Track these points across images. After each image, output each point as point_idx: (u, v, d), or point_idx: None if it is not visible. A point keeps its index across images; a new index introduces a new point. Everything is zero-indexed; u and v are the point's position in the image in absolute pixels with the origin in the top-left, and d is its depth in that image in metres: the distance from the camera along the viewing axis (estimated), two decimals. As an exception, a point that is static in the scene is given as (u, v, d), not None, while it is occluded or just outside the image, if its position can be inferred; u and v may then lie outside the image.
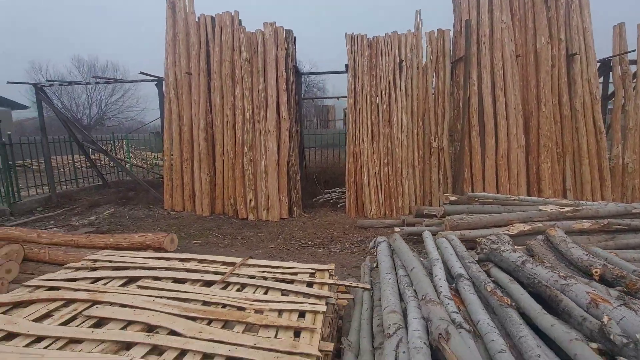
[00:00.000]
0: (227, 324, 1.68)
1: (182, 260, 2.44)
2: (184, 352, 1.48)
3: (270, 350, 1.47)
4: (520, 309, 1.82)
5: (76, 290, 1.99)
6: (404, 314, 1.89)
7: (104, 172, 9.47)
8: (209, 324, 1.67)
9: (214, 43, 6.34)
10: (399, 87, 6.11)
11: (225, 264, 2.40)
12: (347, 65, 6.32)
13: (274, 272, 2.22)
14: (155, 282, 2.09)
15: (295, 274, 2.21)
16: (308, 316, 1.76)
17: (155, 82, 7.10)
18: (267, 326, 1.65)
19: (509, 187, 5.72)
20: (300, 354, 1.45)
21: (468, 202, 4.38)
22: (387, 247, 2.84)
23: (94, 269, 2.34)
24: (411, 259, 2.39)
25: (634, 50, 5.78)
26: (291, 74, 6.21)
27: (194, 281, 2.12)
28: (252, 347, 1.48)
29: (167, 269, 2.29)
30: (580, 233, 3.65)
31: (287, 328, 1.64)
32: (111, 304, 1.81)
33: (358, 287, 2.37)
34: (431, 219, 4.73)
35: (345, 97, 6.49)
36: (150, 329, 1.63)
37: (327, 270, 2.31)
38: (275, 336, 1.59)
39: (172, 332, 1.59)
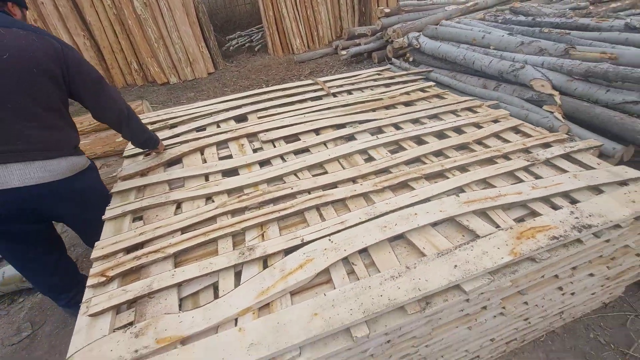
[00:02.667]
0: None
1: (246, 97, 2.38)
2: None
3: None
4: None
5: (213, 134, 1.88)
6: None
7: None
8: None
9: None
10: None
11: (300, 86, 2.49)
12: None
13: (352, 80, 2.48)
14: (277, 109, 2.10)
15: (369, 75, 2.54)
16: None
17: None
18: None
19: None
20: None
21: (398, 12, 4.96)
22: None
23: (173, 126, 2.08)
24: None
25: None
26: None
27: (301, 100, 2.23)
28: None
29: (253, 103, 2.25)
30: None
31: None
32: (266, 130, 1.83)
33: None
34: (367, 37, 5.23)
35: None
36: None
37: (384, 70, 2.70)
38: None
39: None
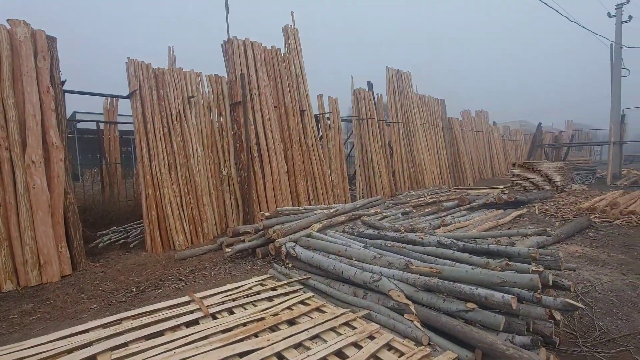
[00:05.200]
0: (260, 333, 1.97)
1: (107, 326, 2.02)
2: None
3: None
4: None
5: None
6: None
7: None
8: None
9: None
10: (190, 119, 6.51)
11: (172, 307, 2.26)
12: (131, 92, 5.90)
13: (233, 294, 2.46)
14: (138, 345, 1.77)
15: (250, 287, 2.57)
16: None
17: None
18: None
19: (283, 201, 7.65)
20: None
21: (277, 215, 5.71)
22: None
23: None
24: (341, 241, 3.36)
25: (330, 112, 9.56)
26: (60, 90, 4.97)
27: (174, 327, 1.98)
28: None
29: (110, 336, 1.88)
30: (341, 223, 5.96)
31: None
32: None
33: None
34: (250, 235, 5.63)
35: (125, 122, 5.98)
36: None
37: (266, 279, 2.81)
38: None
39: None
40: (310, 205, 8.23)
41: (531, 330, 2.34)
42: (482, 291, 2.19)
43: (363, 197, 10.13)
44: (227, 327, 2.01)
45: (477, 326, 2.19)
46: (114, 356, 1.73)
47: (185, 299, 2.41)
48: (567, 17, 11.95)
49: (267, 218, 5.59)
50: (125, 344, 1.81)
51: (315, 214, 5.98)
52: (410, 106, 13.22)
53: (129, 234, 6.48)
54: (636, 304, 3.37)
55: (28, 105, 4.52)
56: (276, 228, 5.27)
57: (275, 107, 7.92)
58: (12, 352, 1.74)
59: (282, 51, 8.47)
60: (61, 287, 4.38)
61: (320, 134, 9.61)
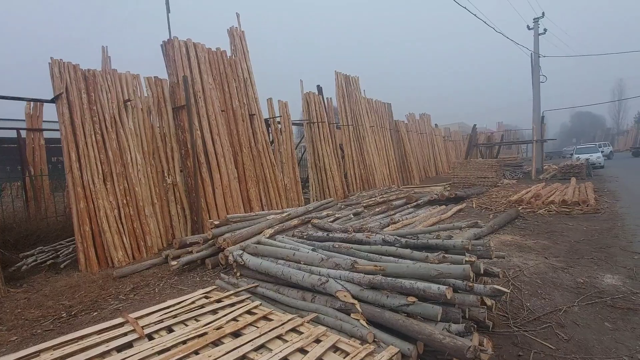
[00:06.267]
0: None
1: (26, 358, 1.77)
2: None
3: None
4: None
5: None
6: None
7: None
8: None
9: None
10: (127, 125, 6.07)
11: (102, 330, 2.05)
12: (56, 96, 5.34)
13: (174, 310, 2.30)
14: None
15: (193, 302, 2.43)
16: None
17: None
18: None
19: (234, 208, 7.42)
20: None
21: (227, 223, 5.52)
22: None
23: None
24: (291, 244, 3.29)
25: (280, 116, 9.51)
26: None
27: (103, 354, 1.79)
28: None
29: None
30: (294, 227, 5.93)
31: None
32: None
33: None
34: (199, 245, 5.37)
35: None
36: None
37: (211, 290, 2.68)
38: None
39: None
40: (263, 210, 8.09)
41: (467, 317, 2.51)
42: (421, 284, 2.31)
43: (316, 200, 10.21)
44: (165, 347, 1.88)
45: (418, 318, 2.30)
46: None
47: (118, 320, 2.21)
48: (494, 28, 13.20)
49: (217, 226, 5.38)
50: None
51: (268, 219, 5.88)
52: (359, 110, 13.64)
53: (59, 253, 5.84)
54: (556, 284, 3.80)
55: None
56: (226, 236, 5.08)
57: (222, 111, 7.68)
58: None
59: (229, 54, 8.25)
60: (-28, 319, 3.80)
61: (271, 138, 9.52)
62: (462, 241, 2.97)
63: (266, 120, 9.43)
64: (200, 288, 4.29)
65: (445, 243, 3.05)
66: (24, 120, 8.32)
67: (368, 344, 2.00)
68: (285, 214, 6.16)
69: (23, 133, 8.04)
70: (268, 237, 5.10)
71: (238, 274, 3.42)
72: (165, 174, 6.75)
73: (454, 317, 2.32)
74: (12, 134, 8.51)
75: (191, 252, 5.29)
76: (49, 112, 8.37)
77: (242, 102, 8.25)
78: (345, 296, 2.51)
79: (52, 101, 5.53)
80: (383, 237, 3.40)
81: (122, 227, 5.67)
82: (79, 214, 5.23)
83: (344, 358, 1.83)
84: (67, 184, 5.39)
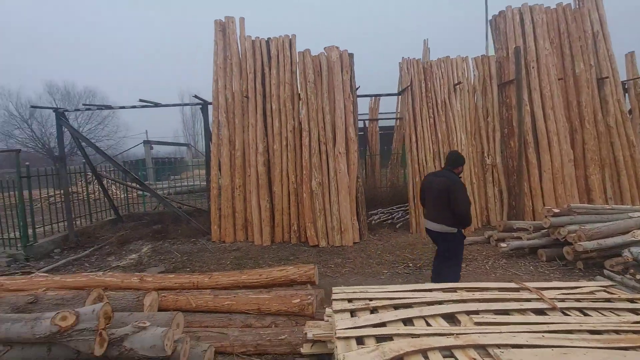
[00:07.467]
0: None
1: (445, 291, 2.24)
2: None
3: None
4: None
5: (419, 335, 1.71)
6: None
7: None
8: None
9: (270, 66, 6.19)
10: (454, 107, 6.39)
11: (502, 289, 2.25)
12: (404, 89, 6.50)
13: (572, 294, 2.13)
14: (494, 316, 1.88)
15: (591, 292, 2.15)
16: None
17: (200, 106, 6.68)
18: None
19: (565, 197, 6.13)
20: None
21: (568, 213, 4.60)
22: None
23: (374, 310, 2.05)
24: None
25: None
26: (355, 95, 6.22)
27: (520, 310, 1.95)
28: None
29: (458, 301, 2.07)
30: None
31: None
32: (499, 346, 1.57)
33: None
34: (529, 232, 4.88)
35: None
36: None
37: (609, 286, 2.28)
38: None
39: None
40: (607, 204, 6.15)
41: None
42: None
43: None
44: (593, 328, 1.72)
45: None
46: (475, 320, 1.84)
47: (512, 285, 2.30)
48: None
49: (555, 215, 4.61)
50: (476, 312, 1.92)
51: (632, 217, 4.36)
52: None
53: (392, 215, 7.32)
54: None
55: (337, 109, 5.94)
56: (572, 228, 4.26)
57: (559, 79, 6.40)
58: (384, 292, 2.25)
59: (573, 6, 6.67)
60: (355, 250, 5.52)
61: (629, 107, 6.93)
62: None
63: (623, 84, 6.94)
64: (539, 279, 3.85)
65: None
66: (366, 113, 10.97)
67: None
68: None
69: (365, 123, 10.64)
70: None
71: (638, 276, 2.72)
72: (485, 155, 6.61)
73: None
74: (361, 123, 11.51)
75: (520, 238, 4.90)
76: (385, 105, 10.55)
77: (588, 65, 6.47)
78: None
79: (398, 94, 6.80)
80: None
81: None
82: (414, 187, 6.21)
83: None
84: (407, 161, 6.51)
